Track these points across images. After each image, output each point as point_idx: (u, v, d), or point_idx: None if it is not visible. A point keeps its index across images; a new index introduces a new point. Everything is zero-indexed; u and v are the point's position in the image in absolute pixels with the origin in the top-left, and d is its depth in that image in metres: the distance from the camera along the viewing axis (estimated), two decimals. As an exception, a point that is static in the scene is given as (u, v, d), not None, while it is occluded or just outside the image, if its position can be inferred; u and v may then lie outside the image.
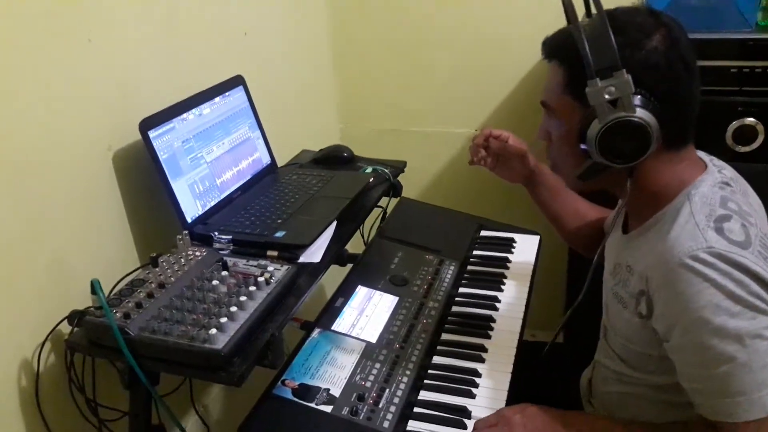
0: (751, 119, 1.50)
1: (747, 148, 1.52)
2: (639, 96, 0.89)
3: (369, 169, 1.52)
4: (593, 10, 0.93)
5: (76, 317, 1.04)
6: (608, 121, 0.89)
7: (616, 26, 0.89)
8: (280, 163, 1.58)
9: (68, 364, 1.07)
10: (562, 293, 2.03)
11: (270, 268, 1.10)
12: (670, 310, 0.89)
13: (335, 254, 1.25)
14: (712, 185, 0.93)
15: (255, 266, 1.11)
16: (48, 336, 1.07)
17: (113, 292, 1.07)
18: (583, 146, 0.94)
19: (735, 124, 1.51)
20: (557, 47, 0.98)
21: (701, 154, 1.02)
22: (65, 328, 1.07)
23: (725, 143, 1.52)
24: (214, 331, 0.93)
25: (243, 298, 1.01)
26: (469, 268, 1.54)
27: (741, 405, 0.85)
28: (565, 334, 1.98)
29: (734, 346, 0.84)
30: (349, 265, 1.55)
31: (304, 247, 1.19)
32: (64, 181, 1.10)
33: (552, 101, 0.99)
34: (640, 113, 0.88)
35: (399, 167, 1.60)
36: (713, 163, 1.00)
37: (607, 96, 0.88)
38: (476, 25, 2.05)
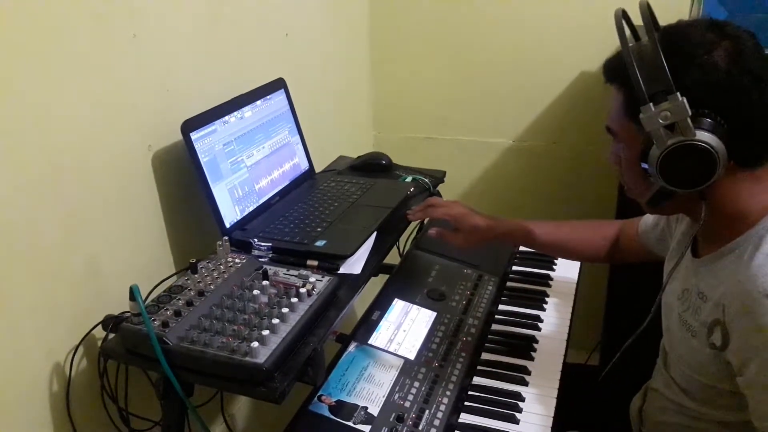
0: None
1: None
2: (701, 118, 0.84)
3: (409, 179, 1.48)
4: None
5: (111, 322, 1.01)
6: (666, 147, 0.84)
7: (670, 45, 0.85)
8: (317, 169, 1.55)
9: (101, 370, 1.03)
10: (600, 311, 1.97)
11: (312, 279, 1.06)
12: (748, 342, 0.84)
13: (376, 266, 1.21)
14: None
15: (296, 276, 1.07)
16: (82, 340, 1.04)
17: (151, 297, 1.04)
18: (645, 168, 0.89)
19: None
20: (614, 70, 0.93)
21: None
22: (99, 332, 1.04)
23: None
24: (255, 344, 0.89)
25: (285, 310, 0.97)
26: (509, 284, 1.49)
27: None
28: (603, 358, 1.92)
29: None
30: (382, 276, 1.50)
31: (344, 257, 1.15)
32: (102, 180, 1.07)
33: (615, 126, 0.96)
34: (702, 136, 0.83)
35: (438, 177, 1.56)
36: None
37: (662, 121, 0.84)
38: (517, 35, 2.00)
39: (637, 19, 0.91)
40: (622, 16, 0.90)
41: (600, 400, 1.23)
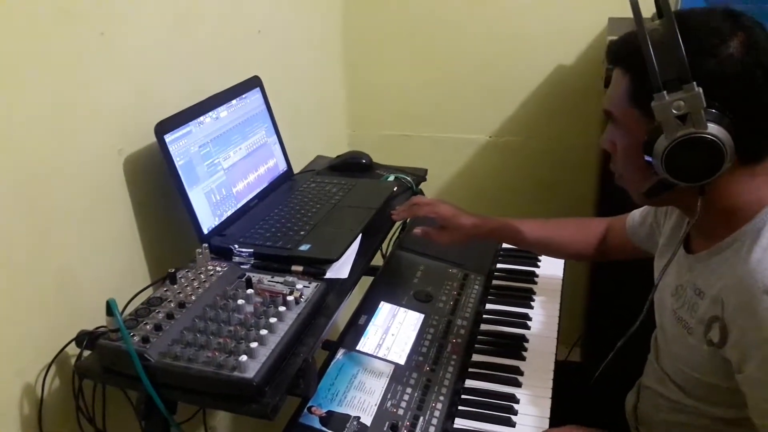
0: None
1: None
2: (711, 110, 0.81)
3: (391, 177, 1.44)
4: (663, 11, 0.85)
5: (85, 338, 0.95)
6: (676, 138, 0.81)
7: (687, 31, 0.80)
8: (294, 170, 1.50)
9: (76, 390, 0.97)
10: (580, 306, 1.97)
11: (299, 286, 1.01)
12: (748, 339, 0.82)
13: (362, 269, 1.17)
14: None
15: (281, 283, 1.02)
16: (54, 358, 0.97)
17: (128, 311, 0.98)
18: (648, 159, 0.86)
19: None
20: (622, 53, 0.90)
21: None
22: (72, 349, 0.98)
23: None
24: (244, 357, 0.85)
25: (272, 320, 0.92)
26: (495, 282, 1.47)
27: None
28: (585, 353, 1.92)
29: None
30: (365, 278, 1.45)
31: (331, 261, 1.10)
32: (71, 187, 1.01)
33: (616, 111, 0.92)
34: (712, 129, 0.80)
35: (420, 175, 1.53)
36: None
37: (675, 111, 0.81)
38: (490, 30, 1.98)
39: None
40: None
41: (593, 398, 1.21)
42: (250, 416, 0.83)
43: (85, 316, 1.00)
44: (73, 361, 0.99)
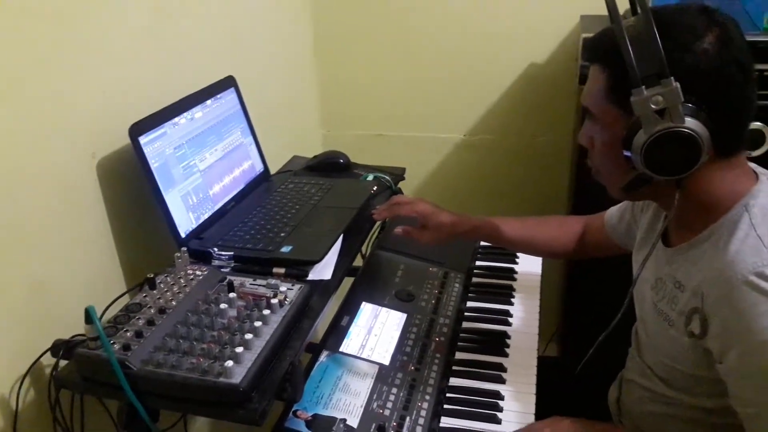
0: (759, 123, 1.47)
1: (755, 153, 1.49)
2: (688, 104, 0.82)
3: (370, 177, 1.44)
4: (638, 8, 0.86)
5: (61, 348, 0.92)
6: (654, 133, 0.82)
7: (663, 27, 0.81)
8: (271, 170, 1.48)
9: (53, 402, 0.94)
10: (555, 300, 1.99)
11: (282, 288, 0.99)
12: (728, 329, 0.83)
13: (345, 269, 1.16)
14: None
15: (264, 286, 1.01)
16: (29, 369, 0.94)
17: (105, 318, 0.95)
18: (627, 154, 0.87)
19: (742, 128, 1.48)
20: (599, 50, 0.91)
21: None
22: (47, 360, 0.95)
23: (732, 148, 1.49)
24: (230, 363, 0.83)
25: (257, 323, 0.90)
26: (475, 280, 1.47)
27: None
28: (563, 348, 1.93)
29: None
30: (347, 279, 1.44)
31: (314, 263, 1.09)
32: (42, 192, 0.98)
33: (593, 107, 0.92)
34: (690, 123, 0.81)
35: (399, 174, 1.52)
36: (759, 170, 0.94)
37: (653, 106, 0.82)
38: (463, 30, 1.98)
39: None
40: None
41: (575, 392, 1.22)
42: (238, 422, 0.81)
43: (59, 324, 0.97)
44: (48, 371, 0.95)
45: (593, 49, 0.92)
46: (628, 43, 0.81)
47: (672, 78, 0.80)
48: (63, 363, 0.93)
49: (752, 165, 0.96)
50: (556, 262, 1.93)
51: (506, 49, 1.97)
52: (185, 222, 1.15)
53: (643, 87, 0.81)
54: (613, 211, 1.26)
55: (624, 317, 1.03)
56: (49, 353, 0.93)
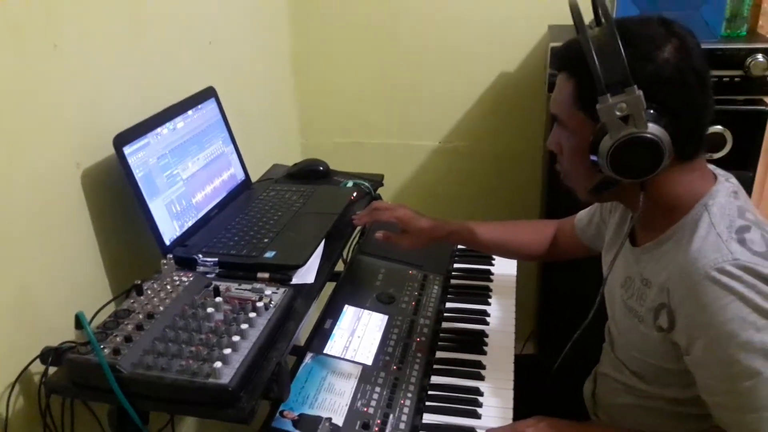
0: (719, 127, 1.54)
1: (716, 155, 1.56)
2: (651, 111, 0.87)
3: (350, 184, 1.47)
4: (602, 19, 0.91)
5: (50, 355, 0.94)
6: (619, 138, 0.87)
7: (626, 38, 0.86)
8: (252, 178, 1.50)
9: (43, 408, 0.95)
10: (531, 301, 2.04)
11: (267, 292, 1.02)
12: (693, 323, 0.88)
13: (327, 273, 1.19)
14: (727, 195, 0.93)
15: (249, 290, 1.04)
16: (18, 377, 0.95)
17: (94, 324, 0.97)
18: (593, 158, 0.92)
19: (704, 132, 1.55)
20: (566, 59, 0.95)
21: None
22: (36, 367, 0.96)
23: (695, 151, 1.56)
24: (218, 364, 0.85)
25: (244, 326, 0.93)
26: (453, 281, 1.51)
27: (765, 421, 0.84)
28: (540, 346, 1.99)
29: (760, 360, 0.83)
30: (329, 283, 1.48)
31: (297, 267, 1.12)
32: (27, 202, 0.99)
33: (561, 114, 0.97)
34: (652, 129, 0.86)
35: (378, 180, 1.56)
36: (719, 172, 1.00)
37: (618, 112, 0.86)
38: (437, 38, 2.03)
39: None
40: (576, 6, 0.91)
41: (552, 388, 1.26)
42: (228, 421, 0.84)
43: (47, 332, 0.98)
44: (37, 378, 0.97)
45: (561, 58, 0.97)
46: (594, 53, 0.85)
47: (635, 86, 0.85)
48: (52, 370, 0.94)
49: (711, 167, 1.02)
50: (531, 265, 1.98)
51: (478, 59, 2.03)
52: (169, 230, 1.17)
53: (608, 95, 0.86)
54: (583, 214, 1.31)
55: (597, 315, 1.07)
56: (38, 360, 0.95)
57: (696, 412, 0.95)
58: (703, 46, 1.58)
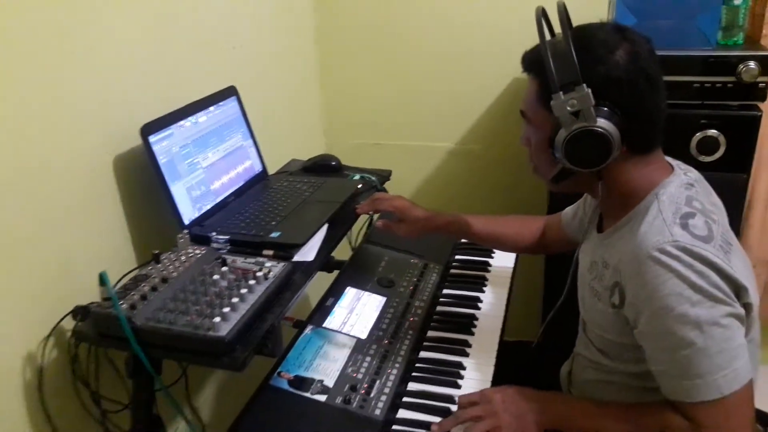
0: (714, 131, 1.61)
1: (710, 158, 1.62)
2: (602, 107, 0.97)
3: (357, 177, 1.60)
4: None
5: (80, 312, 1.08)
6: (571, 131, 0.97)
7: (581, 42, 0.97)
8: (270, 171, 1.65)
9: (72, 357, 1.11)
10: (540, 300, 2.11)
11: (267, 265, 1.16)
12: (638, 298, 0.97)
13: (327, 254, 1.32)
14: (679, 186, 1.02)
15: (253, 263, 1.17)
16: (53, 330, 1.11)
17: (118, 287, 1.11)
18: (552, 150, 1.02)
19: (699, 135, 1.62)
20: (531, 62, 1.06)
21: (668, 159, 1.11)
22: (67, 323, 1.11)
23: (690, 153, 1.63)
24: (217, 319, 0.99)
25: (243, 291, 1.07)
26: (452, 271, 1.62)
27: (698, 387, 0.92)
28: (546, 334, 2.06)
29: (694, 332, 0.91)
30: (338, 272, 1.60)
31: (298, 246, 1.25)
32: (67, 184, 1.15)
33: (528, 111, 1.08)
34: (602, 123, 0.96)
35: (385, 175, 1.68)
36: (679, 167, 1.09)
37: (569, 108, 0.97)
38: (453, 44, 2.14)
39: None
40: (542, 14, 1.02)
41: (537, 370, 1.36)
42: (223, 368, 0.97)
43: (79, 294, 1.13)
44: (68, 333, 1.12)
45: (527, 61, 1.08)
46: (550, 56, 0.96)
47: (584, 84, 0.95)
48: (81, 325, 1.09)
49: (674, 162, 1.11)
50: (539, 258, 2.06)
51: (493, 65, 2.13)
52: (189, 211, 1.32)
53: (561, 92, 0.96)
54: (569, 209, 1.40)
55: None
56: (69, 316, 1.10)
57: (650, 386, 1.02)
58: (699, 53, 1.66)
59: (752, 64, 1.55)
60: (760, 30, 1.79)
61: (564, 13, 1.01)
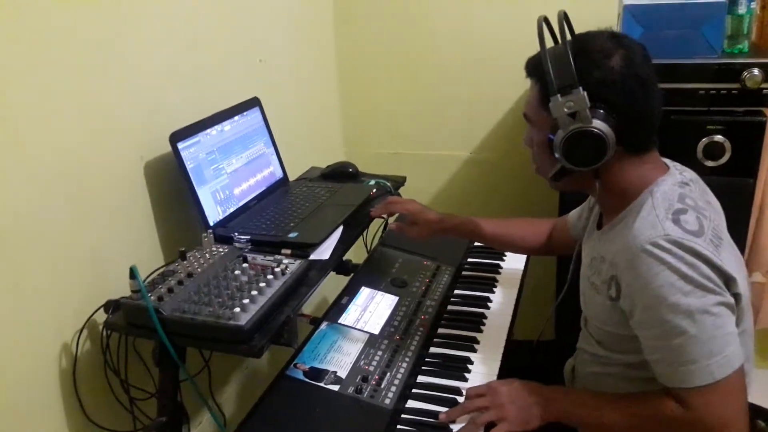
0: (720, 137, 1.65)
1: (716, 163, 1.66)
2: (598, 109, 1.03)
3: (372, 182, 1.67)
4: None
5: (111, 305, 1.18)
6: (568, 131, 1.04)
7: (579, 49, 1.04)
8: (290, 178, 1.73)
9: (104, 347, 1.19)
10: (552, 301, 2.15)
11: (285, 262, 1.23)
12: (632, 290, 1.02)
13: (342, 253, 1.39)
14: (673, 184, 1.07)
15: (272, 260, 1.25)
16: (86, 322, 1.20)
17: (147, 281, 1.20)
18: (551, 150, 1.08)
19: (705, 140, 1.66)
20: (533, 67, 1.13)
21: (665, 159, 1.16)
22: (99, 317, 1.20)
23: (696, 158, 1.67)
24: (237, 309, 1.07)
25: (262, 285, 1.14)
26: (464, 273, 1.68)
27: (692, 372, 0.97)
28: (556, 332, 2.10)
29: (686, 321, 0.97)
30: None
31: (314, 245, 1.33)
32: (101, 186, 1.25)
33: (530, 113, 1.15)
34: (597, 124, 1.02)
35: (399, 181, 1.75)
36: (675, 167, 1.14)
37: (566, 110, 1.03)
38: (469, 56, 2.22)
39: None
40: (544, 23, 1.10)
41: (543, 367, 1.40)
42: (242, 355, 1.05)
43: (111, 289, 1.22)
44: (100, 325, 1.21)
45: (530, 67, 1.14)
46: (549, 61, 1.03)
47: (581, 87, 1.01)
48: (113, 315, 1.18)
49: (671, 162, 1.16)
50: (552, 260, 2.11)
51: (507, 76, 2.17)
52: (213, 214, 1.40)
53: (559, 95, 1.03)
54: (574, 211, 1.46)
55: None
56: (102, 310, 1.19)
57: (648, 376, 1.07)
58: (705, 61, 1.71)
59: (756, 71, 1.59)
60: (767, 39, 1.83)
61: (563, 22, 1.07)
